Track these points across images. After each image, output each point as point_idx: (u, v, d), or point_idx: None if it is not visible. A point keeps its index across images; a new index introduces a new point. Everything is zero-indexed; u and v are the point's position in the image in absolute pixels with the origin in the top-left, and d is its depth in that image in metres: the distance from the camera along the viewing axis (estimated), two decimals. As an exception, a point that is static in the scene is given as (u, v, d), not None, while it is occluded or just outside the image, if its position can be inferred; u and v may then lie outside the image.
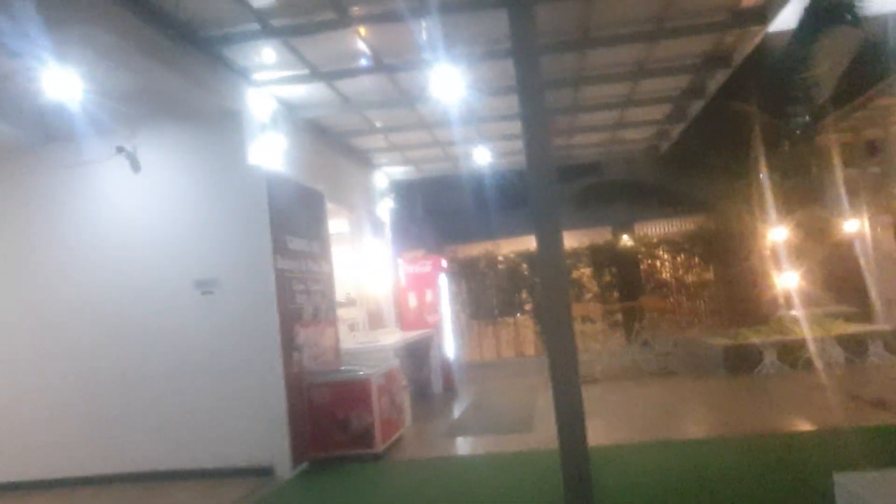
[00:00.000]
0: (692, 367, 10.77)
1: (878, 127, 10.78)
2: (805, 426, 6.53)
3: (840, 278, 11.71)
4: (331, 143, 9.15)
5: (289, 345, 6.42)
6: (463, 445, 7.18)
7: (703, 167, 11.99)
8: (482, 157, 10.08)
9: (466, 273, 14.93)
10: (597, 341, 12.13)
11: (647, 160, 12.60)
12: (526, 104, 4.42)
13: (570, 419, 4.27)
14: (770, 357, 9.56)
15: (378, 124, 8.96)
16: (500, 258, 14.98)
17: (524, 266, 14.69)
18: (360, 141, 9.72)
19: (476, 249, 15.25)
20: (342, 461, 6.45)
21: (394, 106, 7.91)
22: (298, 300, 6.72)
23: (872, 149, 11.61)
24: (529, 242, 12.38)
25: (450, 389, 10.81)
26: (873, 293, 11.67)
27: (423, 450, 6.95)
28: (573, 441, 4.27)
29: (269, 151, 6.94)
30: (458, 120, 8.28)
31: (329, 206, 9.27)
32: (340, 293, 9.94)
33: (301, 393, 6.54)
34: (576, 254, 14.73)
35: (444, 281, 11.82)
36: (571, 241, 15.07)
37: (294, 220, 6.90)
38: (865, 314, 10.83)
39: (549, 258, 4.25)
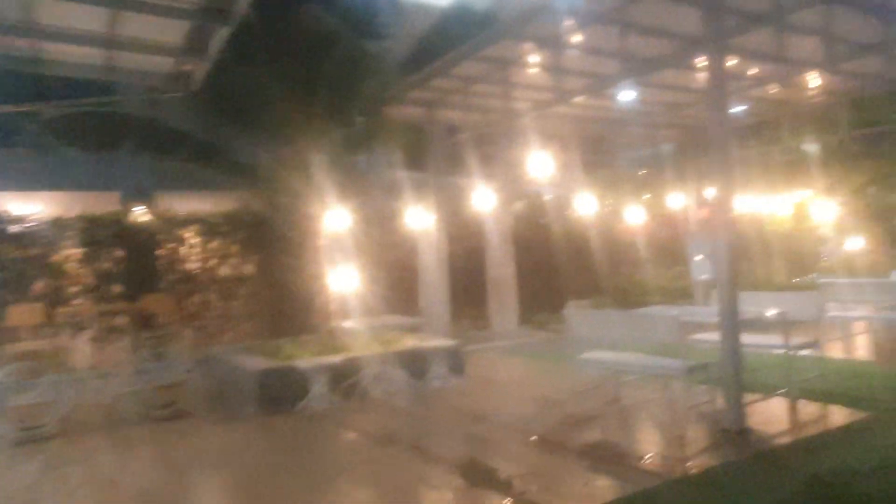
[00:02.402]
0: (215, 402, 7.43)
1: (458, 109, 9.38)
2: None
3: (400, 282, 10.03)
4: None
5: None
6: None
7: (250, 126, 8.80)
8: None
9: None
10: (60, 362, 7.68)
11: (177, 99, 8.74)
12: None
13: None
14: (319, 386, 6.89)
15: None
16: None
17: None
18: None
19: None
20: None
21: None
22: None
23: (451, 132, 10.29)
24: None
25: None
26: (427, 300, 10.36)
27: None
28: None
29: None
30: None
31: None
32: None
33: None
34: (60, 226, 9.84)
35: None
36: (56, 206, 10.14)
37: None
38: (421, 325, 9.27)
39: None
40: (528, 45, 7.48)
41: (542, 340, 10.77)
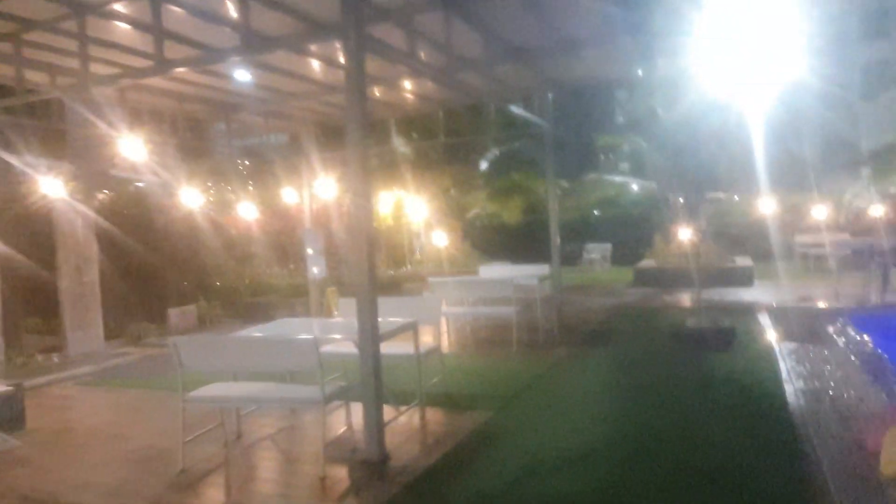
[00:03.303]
0: None
1: (10, 63, 6.83)
2: None
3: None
4: None
5: None
6: None
7: None
8: None
9: None
10: None
11: None
12: None
13: None
14: None
15: None
16: None
17: None
18: None
19: None
20: None
21: None
22: None
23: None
24: None
25: None
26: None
27: None
28: None
29: None
30: None
31: None
32: None
33: None
34: None
35: None
36: None
37: None
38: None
39: None
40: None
41: (140, 360, 8.94)
